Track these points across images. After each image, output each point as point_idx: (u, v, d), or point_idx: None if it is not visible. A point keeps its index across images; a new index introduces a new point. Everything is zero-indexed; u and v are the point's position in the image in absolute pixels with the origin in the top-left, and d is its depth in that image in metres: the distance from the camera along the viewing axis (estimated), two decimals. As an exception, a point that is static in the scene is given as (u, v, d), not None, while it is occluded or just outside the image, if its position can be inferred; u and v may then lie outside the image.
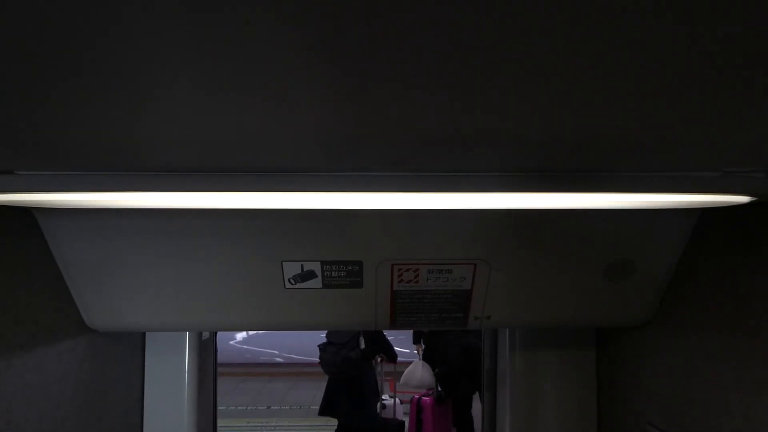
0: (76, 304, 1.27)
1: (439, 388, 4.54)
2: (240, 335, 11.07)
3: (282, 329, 1.45)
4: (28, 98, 0.46)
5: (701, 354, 1.19)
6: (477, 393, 4.38)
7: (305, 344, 9.19)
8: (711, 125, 0.55)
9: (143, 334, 1.59)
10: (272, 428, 6.69)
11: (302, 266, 1.25)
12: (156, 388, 1.58)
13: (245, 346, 10.76)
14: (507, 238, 1.24)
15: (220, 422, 2.08)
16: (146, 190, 0.78)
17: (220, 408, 2.03)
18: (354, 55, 0.38)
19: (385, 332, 4.52)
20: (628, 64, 0.40)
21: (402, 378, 4.95)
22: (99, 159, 0.69)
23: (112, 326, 1.33)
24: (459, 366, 4.30)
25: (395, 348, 4.72)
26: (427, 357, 4.81)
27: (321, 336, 4.76)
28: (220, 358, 2.07)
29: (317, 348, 4.45)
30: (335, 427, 4.56)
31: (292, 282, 1.27)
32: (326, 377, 4.53)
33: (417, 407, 4.47)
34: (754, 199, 0.86)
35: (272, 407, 7.54)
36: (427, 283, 1.31)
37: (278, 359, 10.15)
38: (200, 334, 1.67)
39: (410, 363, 4.97)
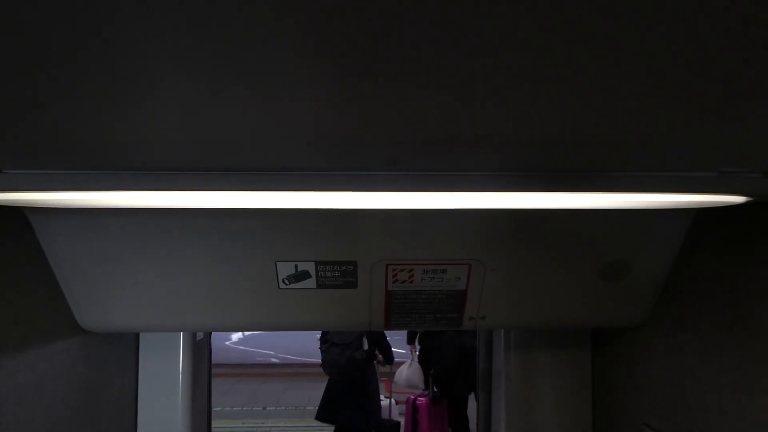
0: (69, 305, 1.26)
1: (435, 389, 4.53)
2: (235, 336, 11.06)
3: (276, 330, 1.45)
4: (17, 96, 0.45)
5: (696, 354, 1.19)
6: (472, 393, 4.38)
7: (300, 345, 9.19)
8: (706, 126, 0.56)
9: (137, 335, 1.58)
10: (268, 429, 6.67)
11: (296, 266, 1.24)
12: (150, 389, 1.58)
13: (241, 347, 10.75)
14: (502, 239, 1.24)
15: (215, 423, 2.07)
16: (139, 189, 0.77)
17: (215, 409, 2.02)
18: (351, 54, 0.38)
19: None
20: (624, 66, 0.40)
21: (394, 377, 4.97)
22: (90, 158, 0.69)
23: (106, 326, 1.33)
24: (454, 366, 4.30)
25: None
26: (422, 357, 4.81)
27: (316, 336, 4.73)
28: (215, 359, 2.07)
29: (313, 348, 4.41)
30: (332, 428, 4.52)
31: (287, 282, 1.26)
32: (322, 378, 4.49)
33: (412, 408, 4.47)
34: (750, 199, 0.86)
35: (268, 408, 7.53)
36: (422, 283, 1.31)
37: (274, 359, 10.14)
38: (194, 335, 1.66)
39: (403, 362, 4.98)
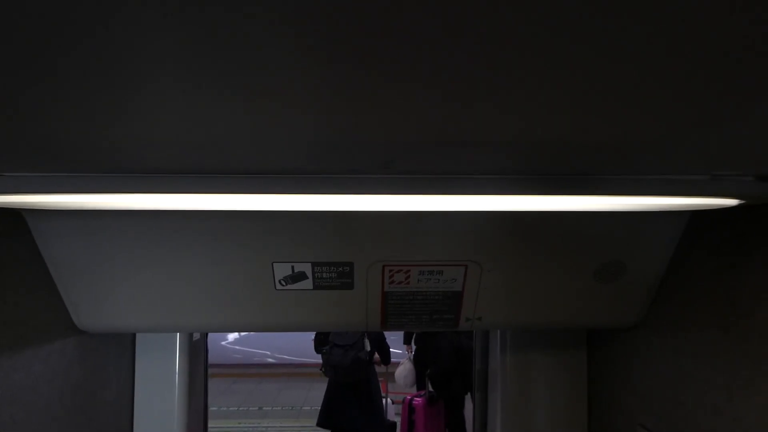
0: (66, 305, 1.26)
1: (431, 389, 4.53)
2: (231, 336, 11.03)
3: (273, 330, 1.45)
4: (16, 100, 0.45)
5: (691, 355, 1.19)
6: (469, 394, 4.38)
7: (296, 345, 9.17)
8: (700, 130, 0.56)
9: (133, 335, 1.58)
10: (264, 429, 6.66)
11: (293, 267, 1.24)
12: (146, 390, 1.57)
13: (237, 347, 10.72)
14: (498, 240, 1.24)
15: (211, 423, 2.07)
16: (136, 192, 0.78)
17: (211, 409, 2.02)
18: (346, 56, 0.38)
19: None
20: (619, 70, 0.40)
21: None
22: (88, 160, 0.69)
23: (102, 327, 1.33)
24: (450, 366, 4.30)
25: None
26: (417, 358, 4.80)
27: (311, 336, 4.70)
28: (211, 359, 2.07)
29: (308, 349, 4.34)
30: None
31: (283, 283, 1.27)
32: (318, 378, 4.44)
33: (408, 408, 4.46)
34: (743, 202, 0.87)
35: (264, 408, 7.51)
36: (419, 284, 1.31)
37: (270, 360, 10.12)
38: (191, 335, 1.66)
39: (399, 362, 4.99)
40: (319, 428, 4.47)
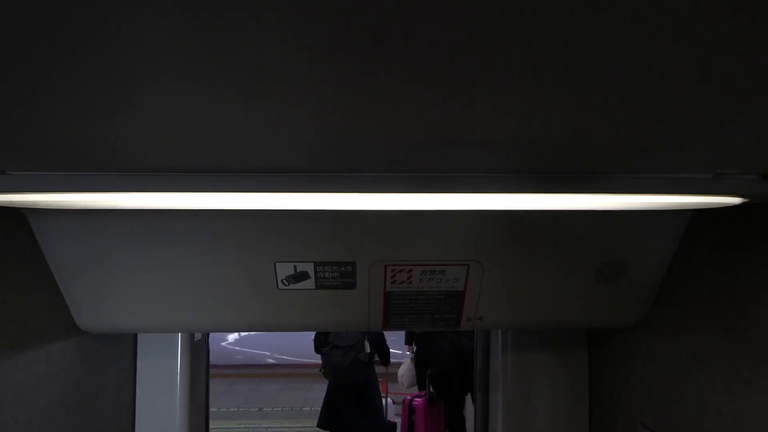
0: (67, 305, 1.26)
1: (431, 389, 4.53)
2: (231, 336, 11.02)
3: (275, 330, 1.45)
4: (20, 98, 0.45)
5: (692, 355, 1.20)
6: (469, 394, 4.38)
7: (296, 345, 9.17)
8: (703, 128, 0.56)
9: (135, 336, 1.57)
10: (264, 429, 6.66)
11: (295, 267, 1.25)
12: (148, 390, 1.57)
13: (236, 347, 10.71)
14: (500, 240, 1.24)
15: (211, 424, 2.07)
16: (141, 191, 0.78)
17: (211, 410, 2.02)
18: (349, 54, 0.38)
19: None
20: (621, 68, 0.40)
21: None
22: (92, 159, 0.69)
23: (104, 327, 1.32)
24: (451, 367, 4.30)
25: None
26: (418, 358, 4.81)
27: (311, 337, 4.70)
28: (211, 360, 2.06)
29: (308, 349, 4.34)
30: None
31: (285, 283, 1.27)
32: (318, 379, 4.45)
33: (409, 409, 4.46)
34: (746, 200, 0.87)
35: (264, 408, 7.51)
36: (420, 284, 1.31)
37: (270, 360, 10.12)
38: (192, 336, 1.66)
39: (399, 363, 4.99)
40: (319, 429, 4.47)
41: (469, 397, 4.43)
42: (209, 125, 0.54)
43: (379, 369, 4.71)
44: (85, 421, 1.34)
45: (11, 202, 0.88)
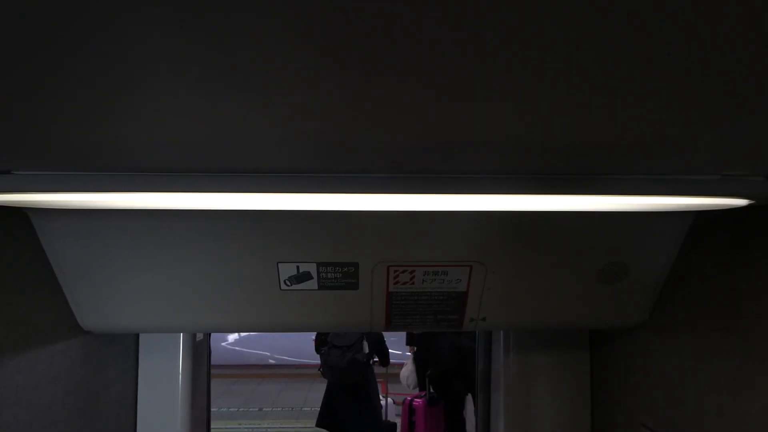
0: (70, 306, 1.26)
1: (431, 390, 4.53)
2: (232, 337, 11.03)
3: (277, 331, 1.44)
4: (26, 98, 0.45)
5: (694, 355, 1.19)
6: (469, 394, 4.38)
7: (296, 346, 9.18)
8: (709, 129, 0.56)
9: (137, 336, 1.57)
10: (264, 430, 6.66)
11: (298, 268, 1.24)
12: (149, 390, 1.57)
13: (237, 348, 10.72)
14: (502, 241, 1.24)
15: (212, 424, 2.07)
16: (145, 191, 0.78)
17: (212, 410, 2.02)
18: (352, 55, 0.38)
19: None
20: (626, 68, 0.40)
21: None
22: (96, 159, 0.69)
23: (106, 327, 1.32)
24: (451, 367, 4.30)
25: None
26: (418, 358, 4.80)
27: (311, 337, 4.70)
28: (211, 360, 2.06)
29: (308, 350, 4.36)
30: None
31: (288, 283, 1.26)
32: (318, 379, 4.46)
33: (409, 409, 4.46)
34: (752, 202, 0.87)
35: (264, 409, 7.52)
36: (423, 284, 1.31)
37: (270, 360, 10.12)
38: (194, 336, 1.66)
39: (400, 364, 4.99)
40: (318, 429, 4.48)
41: (469, 398, 4.43)
42: (212, 126, 0.54)
43: (379, 369, 4.72)
44: (86, 421, 1.33)
45: (15, 201, 0.88)
